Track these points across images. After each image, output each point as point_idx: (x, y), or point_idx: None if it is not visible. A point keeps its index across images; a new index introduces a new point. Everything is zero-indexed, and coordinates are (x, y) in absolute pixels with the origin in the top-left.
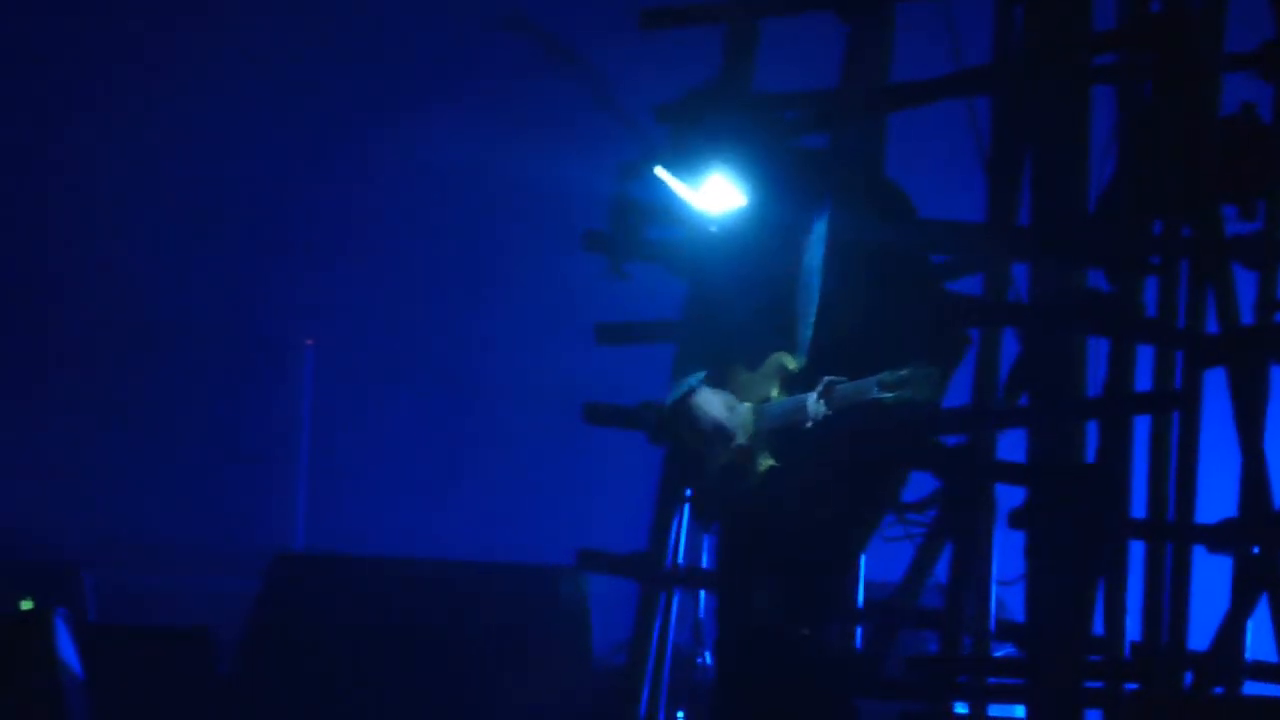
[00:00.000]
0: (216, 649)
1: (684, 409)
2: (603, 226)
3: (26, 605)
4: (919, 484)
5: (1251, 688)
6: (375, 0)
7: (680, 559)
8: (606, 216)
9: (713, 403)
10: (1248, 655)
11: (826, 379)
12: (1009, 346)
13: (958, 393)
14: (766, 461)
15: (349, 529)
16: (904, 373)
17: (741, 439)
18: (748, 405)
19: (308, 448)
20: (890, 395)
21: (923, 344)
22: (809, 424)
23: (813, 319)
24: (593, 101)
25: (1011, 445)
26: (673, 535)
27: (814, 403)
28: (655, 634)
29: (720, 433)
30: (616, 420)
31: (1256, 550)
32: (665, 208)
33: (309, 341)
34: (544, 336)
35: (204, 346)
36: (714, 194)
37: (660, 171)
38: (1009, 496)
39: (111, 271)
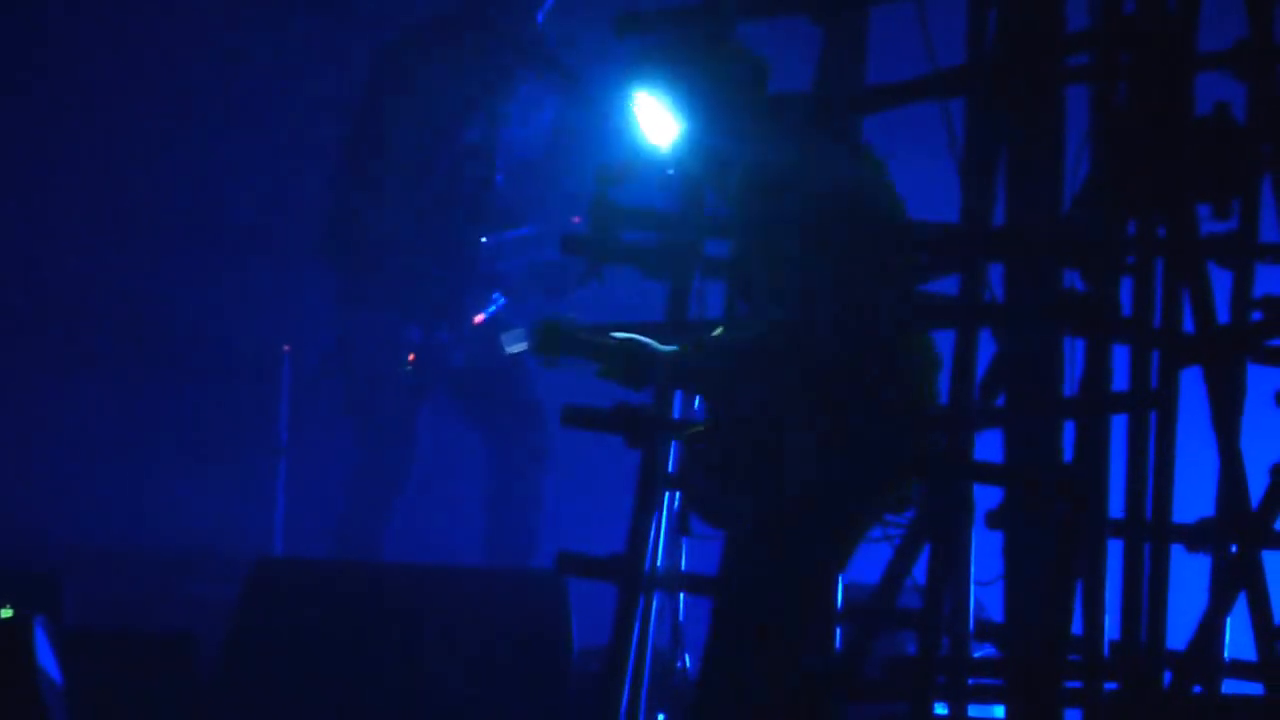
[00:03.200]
0: (198, 654)
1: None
2: (581, 228)
3: (5, 613)
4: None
5: (1230, 686)
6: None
7: (659, 561)
8: (585, 218)
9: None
10: (1226, 654)
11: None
12: (985, 347)
13: None
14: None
15: (327, 534)
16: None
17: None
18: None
19: (286, 454)
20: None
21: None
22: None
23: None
24: (570, 102)
25: (988, 445)
26: (651, 538)
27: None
28: (635, 637)
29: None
30: (594, 423)
31: (1234, 549)
32: (645, 210)
33: (286, 347)
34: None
35: (182, 351)
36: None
37: (640, 95)
38: (987, 497)
39: (87, 279)
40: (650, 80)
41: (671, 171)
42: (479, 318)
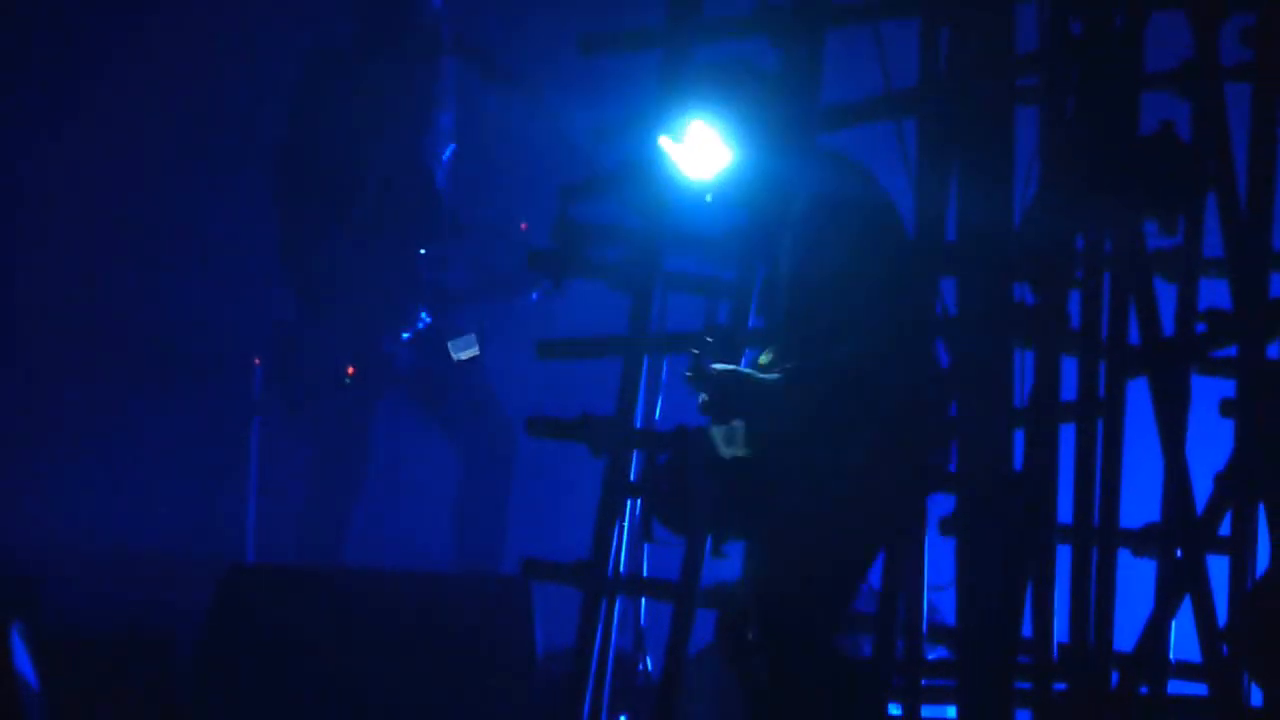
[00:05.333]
0: (173, 660)
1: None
2: (546, 244)
3: None
4: None
5: (1176, 687)
6: (312, 19)
7: (622, 567)
8: (549, 234)
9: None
10: (1172, 656)
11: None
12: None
13: None
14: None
15: (297, 541)
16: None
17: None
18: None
19: (257, 461)
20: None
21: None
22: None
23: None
24: (534, 121)
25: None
26: (614, 544)
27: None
28: (598, 641)
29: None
30: (559, 432)
31: (1179, 553)
32: (608, 226)
33: (257, 360)
34: (488, 351)
35: (157, 358)
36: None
37: (663, 140)
38: (940, 504)
39: (63, 287)
40: (707, 106)
41: (709, 199)
42: (407, 336)
